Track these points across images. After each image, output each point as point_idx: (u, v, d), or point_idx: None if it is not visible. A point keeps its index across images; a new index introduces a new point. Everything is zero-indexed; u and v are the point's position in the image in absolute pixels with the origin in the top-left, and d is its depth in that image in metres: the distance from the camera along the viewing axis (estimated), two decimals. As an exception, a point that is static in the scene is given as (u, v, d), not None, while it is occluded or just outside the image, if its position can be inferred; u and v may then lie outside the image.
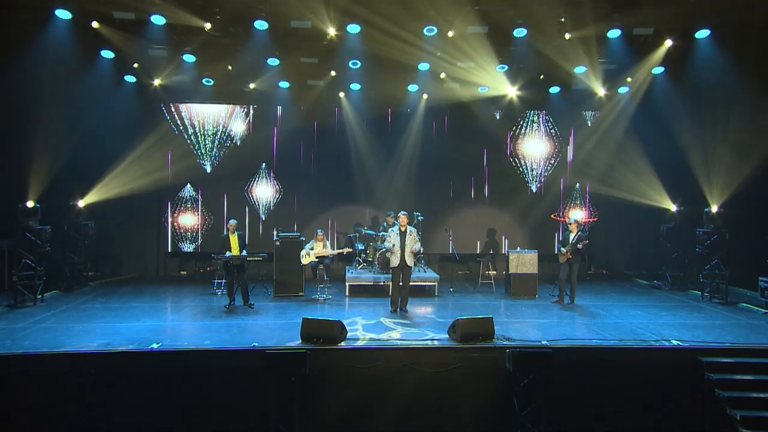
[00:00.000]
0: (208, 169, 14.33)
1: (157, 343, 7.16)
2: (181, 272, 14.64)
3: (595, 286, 12.69)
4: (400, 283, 9.52)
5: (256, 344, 7.20)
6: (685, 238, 12.20)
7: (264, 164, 14.48)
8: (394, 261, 9.50)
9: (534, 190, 14.77)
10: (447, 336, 7.74)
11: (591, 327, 8.51)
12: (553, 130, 14.77)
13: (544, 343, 7.45)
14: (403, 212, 9.67)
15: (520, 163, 14.82)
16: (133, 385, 6.69)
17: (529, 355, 6.90)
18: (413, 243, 9.52)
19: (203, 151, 14.26)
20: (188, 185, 14.41)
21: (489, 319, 7.70)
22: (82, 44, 10.55)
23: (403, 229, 9.51)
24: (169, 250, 14.42)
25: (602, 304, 10.60)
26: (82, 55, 10.82)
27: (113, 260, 14.27)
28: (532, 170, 14.83)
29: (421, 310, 9.93)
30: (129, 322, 8.64)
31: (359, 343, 7.47)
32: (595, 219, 10.02)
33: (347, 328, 7.75)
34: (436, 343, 7.52)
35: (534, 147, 14.83)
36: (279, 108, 14.40)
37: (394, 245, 9.50)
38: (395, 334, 7.97)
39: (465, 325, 7.49)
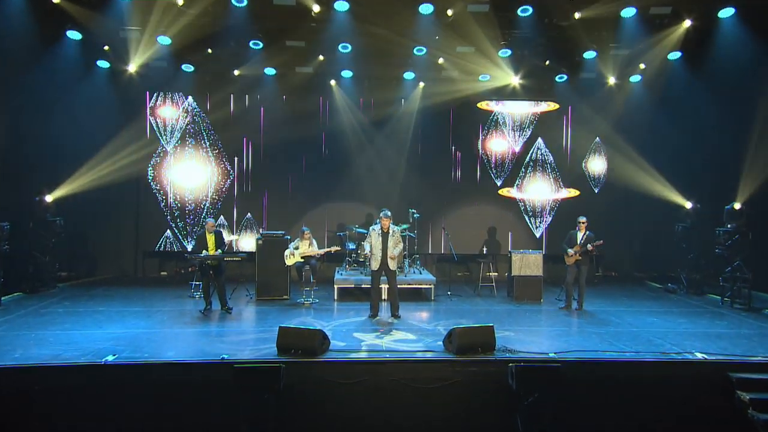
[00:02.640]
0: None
1: (113, 355, 6.42)
2: (161, 273, 13.92)
3: (603, 290, 11.95)
4: (387, 287, 8.79)
5: (226, 356, 6.46)
6: (702, 238, 11.47)
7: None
8: (374, 264, 8.81)
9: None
10: (442, 347, 7.00)
11: (603, 336, 7.77)
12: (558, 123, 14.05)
13: (551, 355, 6.71)
14: (384, 211, 8.91)
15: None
16: (78, 404, 5.93)
17: (534, 370, 6.18)
18: (396, 245, 8.82)
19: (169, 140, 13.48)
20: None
21: (489, 329, 6.97)
22: (43, 23, 9.77)
23: (385, 229, 8.80)
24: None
25: (613, 309, 9.86)
26: (44, 34, 10.03)
27: (88, 260, 13.53)
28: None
29: (415, 315, 9.20)
30: (90, 329, 7.89)
31: (343, 355, 6.72)
32: (601, 242, 9.41)
33: (331, 336, 7.03)
34: (430, 355, 6.78)
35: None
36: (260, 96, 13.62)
37: (372, 247, 8.78)
38: (384, 344, 7.23)
39: (462, 335, 6.76)
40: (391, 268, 8.79)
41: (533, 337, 7.76)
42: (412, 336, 7.72)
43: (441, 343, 7.08)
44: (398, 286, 10.38)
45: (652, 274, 13.62)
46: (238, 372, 6.00)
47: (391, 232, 8.78)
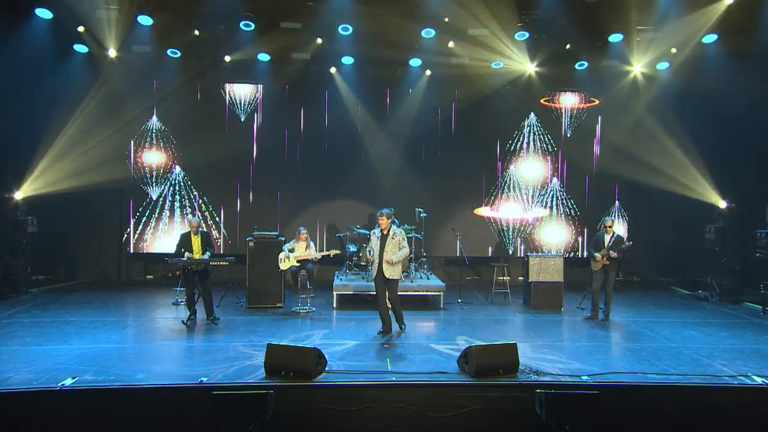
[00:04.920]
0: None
1: (72, 378, 5.57)
2: (147, 276, 13.13)
3: (627, 297, 11.08)
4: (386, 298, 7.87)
5: (205, 379, 5.62)
6: (738, 241, 10.62)
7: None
8: (374, 271, 7.83)
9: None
10: (457, 367, 6.15)
11: (639, 354, 6.90)
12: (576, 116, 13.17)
13: (584, 378, 5.85)
14: (383, 210, 7.77)
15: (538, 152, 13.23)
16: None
17: (567, 398, 5.29)
18: (395, 249, 7.69)
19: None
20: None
21: (511, 347, 6.12)
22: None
23: (384, 231, 7.76)
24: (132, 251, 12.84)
25: (643, 320, 9.00)
26: (9, 12, 9.18)
27: (67, 262, 12.74)
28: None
29: (423, 328, 8.36)
30: (53, 344, 7.04)
31: (342, 378, 5.87)
32: (631, 243, 8.56)
33: (328, 353, 6.19)
34: (443, 378, 5.92)
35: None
36: (260, 87, 12.79)
37: (371, 252, 7.88)
38: (390, 364, 6.36)
39: (481, 354, 5.91)
40: (387, 275, 7.65)
41: (559, 353, 6.90)
42: (422, 353, 6.86)
43: (455, 362, 6.23)
44: (404, 293, 9.63)
45: (677, 279, 12.79)
46: (218, 399, 5.14)
47: (391, 234, 7.74)
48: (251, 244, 9.70)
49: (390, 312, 7.93)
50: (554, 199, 13.25)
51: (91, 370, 5.90)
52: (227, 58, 11.88)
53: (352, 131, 12.82)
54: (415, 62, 12.19)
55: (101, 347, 6.92)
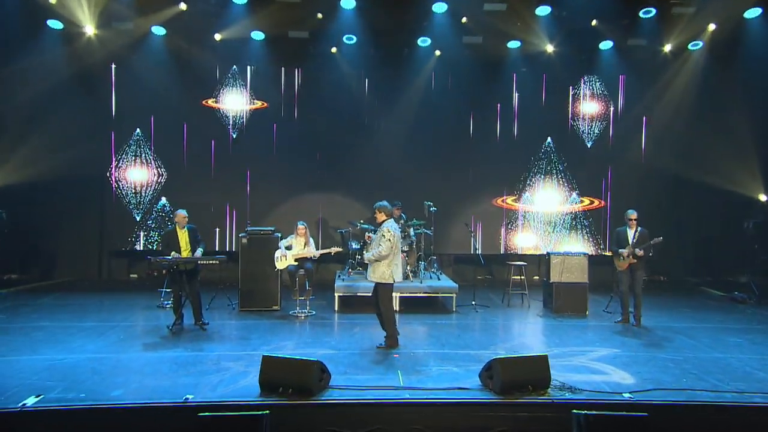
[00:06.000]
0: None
1: (37, 396, 5.03)
2: (131, 275, 12.62)
3: (656, 298, 10.51)
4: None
5: (190, 397, 5.09)
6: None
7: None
8: None
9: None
10: (479, 382, 5.61)
11: (683, 366, 6.36)
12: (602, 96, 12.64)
13: (626, 396, 5.31)
14: (379, 203, 7.00)
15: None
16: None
17: (611, 421, 4.73)
18: (375, 246, 6.96)
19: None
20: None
21: (542, 359, 5.59)
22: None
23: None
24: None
25: (679, 326, 8.46)
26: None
27: (44, 260, 12.19)
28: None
29: (436, 334, 7.81)
30: (19, 353, 6.50)
31: (348, 395, 5.33)
32: (660, 240, 8.17)
33: (331, 365, 5.65)
34: (464, 395, 5.37)
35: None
36: (251, 68, 12.24)
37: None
38: (402, 379, 5.81)
39: (507, 367, 5.37)
40: (370, 277, 6.98)
41: (591, 365, 6.36)
42: (437, 365, 6.31)
43: (477, 376, 5.69)
44: (413, 295, 9.11)
45: (706, 279, 12.27)
46: (205, 423, 4.60)
47: (380, 229, 6.99)
48: (244, 240, 9.19)
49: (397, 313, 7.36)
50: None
51: (59, 386, 5.35)
52: (217, 37, 11.32)
53: (354, 116, 12.33)
54: (423, 41, 11.63)
55: (74, 358, 6.37)
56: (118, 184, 12.19)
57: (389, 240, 6.77)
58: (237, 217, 12.26)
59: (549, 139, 12.67)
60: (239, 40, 11.40)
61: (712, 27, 10.40)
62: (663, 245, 8.38)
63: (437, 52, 11.99)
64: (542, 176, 12.72)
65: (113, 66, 11.64)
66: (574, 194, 12.69)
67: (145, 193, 12.25)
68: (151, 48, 11.38)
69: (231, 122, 12.33)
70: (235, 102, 12.33)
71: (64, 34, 10.76)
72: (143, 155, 12.23)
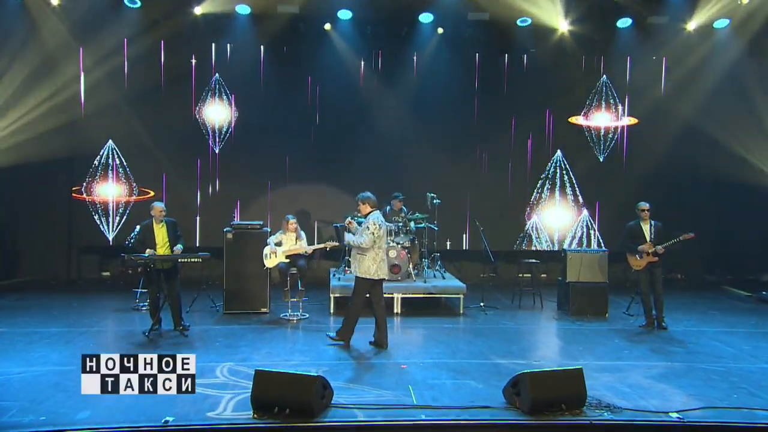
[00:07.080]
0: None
1: (-14, 421, 4.46)
2: (102, 273, 12.07)
3: (677, 299, 10.06)
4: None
5: (170, 420, 4.56)
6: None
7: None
8: None
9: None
10: (503, 399, 5.11)
11: (728, 378, 5.90)
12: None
13: (675, 417, 4.83)
14: (362, 194, 7.03)
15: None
16: None
17: (662, 447, 4.29)
18: (359, 237, 6.79)
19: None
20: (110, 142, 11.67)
21: (576, 373, 5.08)
22: None
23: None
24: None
25: (712, 330, 8.06)
26: None
27: (5, 257, 11.52)
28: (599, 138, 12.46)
29: (446, 340, 7.31)
30: (-33, 366, 5.90)
31: (354, 415, 4.81)
32: (692, 236, 7.95)
33: (331, 378, 5.12)
34: (487, 414, 4.87)
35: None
36: (230, 46, 11.71)
37: None
38: (414, 395, 5.28)
39: (537, 383, 4.87)
40: (354, 270, 6.94)
41: (624, 375, 5.90)
42: (451, 378, 5.80)
43: (500, 392, 5.19)
44: (416, 295, 8.64)
45: (726, 278, 11.95)
46: (188, 454, 4.07)
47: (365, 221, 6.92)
48: (229, 235, 8.67)
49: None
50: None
51: (15, 407, 4.78)
52: (198, 10, 10.72)
53: (350, 100, 11.81)
54: (425, 17, 11.15)
55: (34, 371, 5.78)
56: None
57: (373, 233, 6.63)
58: (222, 210, 11.67)
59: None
60: (222, 15, 10.81)
61: (744, 1, 10.01)
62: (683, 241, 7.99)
63: (440, 30, 11.55)
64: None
65: (81, 40, 10.95)
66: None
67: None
68: (123, 21, 10.73)
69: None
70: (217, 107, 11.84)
71: (23, 4, 10.14)
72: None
